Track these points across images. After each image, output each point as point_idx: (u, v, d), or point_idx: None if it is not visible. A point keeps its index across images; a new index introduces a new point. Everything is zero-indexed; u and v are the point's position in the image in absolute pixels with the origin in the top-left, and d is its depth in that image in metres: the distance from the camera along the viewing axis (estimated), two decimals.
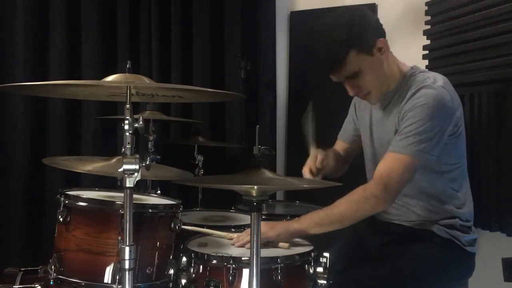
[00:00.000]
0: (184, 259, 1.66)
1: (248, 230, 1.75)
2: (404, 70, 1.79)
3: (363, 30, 1.69)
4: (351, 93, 1.77)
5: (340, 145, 2.07)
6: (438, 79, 1.71)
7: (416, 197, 1.78)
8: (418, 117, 1.63)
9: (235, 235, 1.81)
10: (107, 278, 1.62)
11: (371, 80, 1.73)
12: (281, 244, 1.73)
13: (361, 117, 1.98)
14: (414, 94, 1.67)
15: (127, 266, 1.32)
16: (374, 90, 1.76)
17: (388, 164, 1.67)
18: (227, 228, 2.02)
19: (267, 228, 1.71)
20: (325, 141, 2.04)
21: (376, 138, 1.86)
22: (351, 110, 2.06)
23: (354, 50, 1.66)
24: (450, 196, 1.77)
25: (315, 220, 1.71)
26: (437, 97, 1.64)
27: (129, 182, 1.30)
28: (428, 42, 2.53)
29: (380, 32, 1.74)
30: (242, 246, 1.73)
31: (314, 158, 1.89)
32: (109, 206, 1.68)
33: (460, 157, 1.79)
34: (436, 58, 2.48)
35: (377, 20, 1.76)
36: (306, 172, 1.87)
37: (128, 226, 1.32)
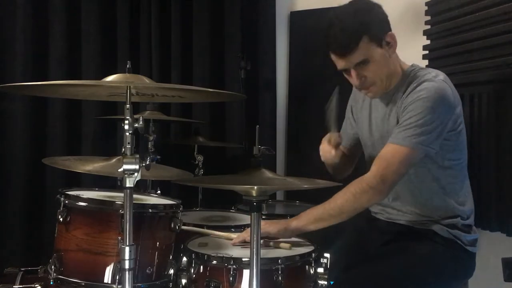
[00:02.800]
0: (184, 259, 1.66)
1: (248, 230, 1.75)
2: (404, 68, 1.80)
3: (376, 19, 1.70)
4: (355, 82, 1.75)
5: (342, 147, 2.06)
6: (439, 74, 1.72)
7: (419, 193, 1.78)
8: (419, 110, 1.64)
9: (234, 235, 1.81)
10: (107, 278, 1.62)
11: (377, 71, 1.72)
12: (282, 244, 1.73)
13: (359, 118, 1.98)
14: (415, 87, 1.68)
15: (127, 266, 1.32)
16: (379, 83, 1.75)
17: (386, 155, 1.67)
18: (227, 228, 2.03)
19: (268, 225, 1.72)
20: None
21: (377, 137, 1.86)
22: (348, 113, 2.05)
23: (367, 36, 1.67)
24: (452, 191, 1.77)
25: (314, 216, 1.71)
26: (438, 90, 1.64)
27: (129, 182, 1.30)
28: (428, 42, 2.53)
29: (389, 27, 1.75)
30: (241, 243, 1.73)
31: (330, 136, 1.88)
32: (109, 206, 1.68)
33: (461, 153, 1.79)
34: (436, 58, 2.48)
35: (387, 15, 1.76)
36: (325, 145, 1.87)
37: (128, 226, 1.32)
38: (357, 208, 1.68)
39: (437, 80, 1.67)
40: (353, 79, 1.74)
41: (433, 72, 1.73)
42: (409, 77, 1.75)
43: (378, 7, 1.74)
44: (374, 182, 1.64)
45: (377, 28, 1.69)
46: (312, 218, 1.71)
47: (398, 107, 1.74)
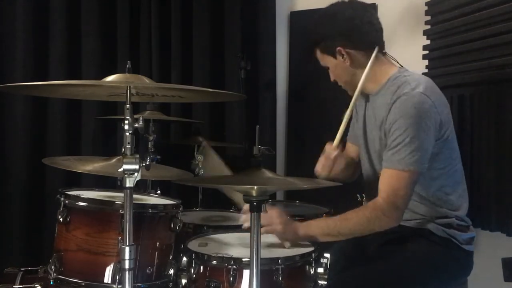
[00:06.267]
0: (184, 259, 1.66)
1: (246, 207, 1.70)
2: (390, 72, 1.78)
3: (326, 35, 1.79)
4: (331, 79, 1.87)
5: (351, 148, 2.05)
6: (420, 83, 1.68)
7: (412, 200, 1.78)
8: (402, 129, 1.64)
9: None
10: (107, 278, 1.62)
11: (339, 77, 1.83)
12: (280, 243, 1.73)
13: (356, 116, 1.98)
14: (394, 102, 1.68)
15: (127, 266, 1.32)
16: (346, 86, 1.85)
17: (391, 182, 1.66)
18: (227, 228, 2.03)
19: (277, 220, 1.71)
20: (324, 141, 2.02)
21: (369, 135, 1.86)
22: (354, 111, 2.05)
23: (318, 49, 1.82)
24: (442, 200, 1.76)
25: (324, 230, 1.71)
26: (416, 105, 1.63)
27: (129, 182, 1.30)
28: (428, 42, 2.52)
29: (347, 39, 1.75)
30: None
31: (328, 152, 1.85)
32: (109, 206, 1.69)
33: (449, 161, 1.76)
34: (436, 58, 2.48)
35: (349, 28, 1.75)
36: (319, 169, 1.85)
37: (128, 226, 1.32)
38: (367, 232, 1.69)
39: (415, 93, 1.65)
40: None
41: (413, 81, 1.69)
42: (392, 85, 1.74)
43: (338, 18, 1.77)
44: (387, 210, 1.64)
45: (326, 43, 1.79)
46: (321, 231, 1.71)
47: (383, 123, 1.73)
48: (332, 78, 1.87)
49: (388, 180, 1.67)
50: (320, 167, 1.80)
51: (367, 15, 1.78)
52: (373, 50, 1.76)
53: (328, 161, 1.79)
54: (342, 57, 1.77)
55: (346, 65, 1.78)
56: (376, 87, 1.79)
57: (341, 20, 1.76)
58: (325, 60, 1.82)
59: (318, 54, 1.83)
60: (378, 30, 1.79)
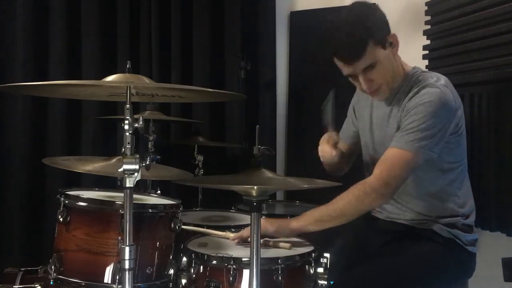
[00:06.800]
0: (184, 259, 1.66)
1: (247, 229, 1.76)
2: (406, 69, 1.81)
3: (378, 21, 1.72)
4: (363, 87, 1.75)
5: (342, 145, 2.07)
6: (441, 78, 1.73)
7: (417, 195, 1.78)
8: (421, 114, 1.65)
9: (231, 235, 1.81)
10: (107, 278, 1.62)
11: (384, 73, 1.72)
12: (282, 244, 1.73)
13: (360, 117, 1.99)
14: (417, 92, 1.69)
15: (127, 266, 1.32)
16: (385, 85, 1.75)
17: (389, 159, 1.67)
18: (227, 228, 2.02)
19: (267, 223, 1.72)
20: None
21: (377, 136, 1.86)
22: (350, 112, 2.07)
23: (372, 41, 1.67)
24: (451, 194, 1.78)
25: (315, 216, 1.72)
26: (440, 96, 1.65)
27: (129, 182, 1.30)
28: (428, 42, 2.53)
29: (389, 27, 1.75)
30: (242, 240, 1.74)
31: (328, 136, 1.91)
32: (109, 206, 1.68)
33: (461, 156, 1.79)
34: (436, 58, 2.48)
35: (385, 15, 1.76)
36: (325, 145, 1.89)
37: (128, 226, 1.32)
38: (359, 211, 1.68)
39: (439, 85, 1.68)
40: (362, 84, 1.74)
41: (435, 76, 1.74)
42: (411, 80, 1.76)
43: (377, 8, 1.74)
44: (377, 185, 1.65)
45: (380, 30, 1.70)
46: (312, 218, 1.72)
47: (400, 110, 1.74)
48: (368, 84, 1.73)
49: (387, 157, 1.68)
50: (327, 148, 1.87)
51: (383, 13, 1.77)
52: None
53: (331, 139, 1.86)
54: (391, 45, 1.72)
55: (395, 53, 1.74)
56: (397, 80, 1.77)
57: (377, 11, 1.73)
58: (375, 54, 1.68)
59: (370, 49, 1.66)
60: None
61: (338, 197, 1.69)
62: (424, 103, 1.65)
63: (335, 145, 1.89)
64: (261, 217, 1.37)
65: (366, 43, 1.66)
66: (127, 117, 1.28)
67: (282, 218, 1.85)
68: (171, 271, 1.71)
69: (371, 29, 1.67)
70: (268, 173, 1.45)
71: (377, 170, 1.67)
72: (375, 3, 1.75)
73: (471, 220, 1.81)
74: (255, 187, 1.29)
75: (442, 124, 1.65)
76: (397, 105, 1.77)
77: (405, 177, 1.67)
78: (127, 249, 1.31)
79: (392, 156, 1.67)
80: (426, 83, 1.70)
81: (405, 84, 1.77)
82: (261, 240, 1.54)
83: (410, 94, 1.71)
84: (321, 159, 1.93)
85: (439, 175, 1.75)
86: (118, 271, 1.57)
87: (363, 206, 1.68)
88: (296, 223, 1.73)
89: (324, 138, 1.93)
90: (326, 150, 1.89)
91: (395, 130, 1.75)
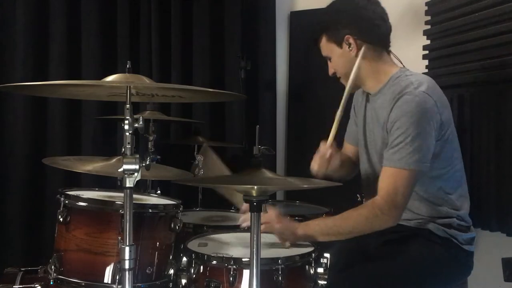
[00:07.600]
0: (184, 259, 1.66)
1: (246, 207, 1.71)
2: (392, 72, 1.78)
3: (337, 21, 1.77)
4: (329, 72, 1.86)
5: (348, 148, 2.05)
6: (422, 83, 1.68)
7: (412, 198, 1.78)
8: (404, 128, 1.63)
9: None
10: (107, 278, 1.62)
11: (340, 69, 1.82)
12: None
13: (357, 117, 1.98)
14: (397, 101, 1.67)
15: (127, 266, 1.32)
16: (344, 79, 1.83)
17: (391, 180, 1.66)
18: (227, 228, 2.03)
19: (274, 217, 1.71)
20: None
21: (368, 135, 1.86)
22: (352, 111, 2.06)
23: (325, 36, 1.80)
24: (443, 199, 1.76)
25: (323, 230, 1.71)
26: (419, 104, 1.63)
27: (129, 182, 1.30)
28: (428, 42, 2.53)
29: (358, 29, 1.74)
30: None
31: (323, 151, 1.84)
32: (109, 206, 1.69)
33: (448, 161, 1.76)
34: (436, 58, 2.48)
35: (369, 17, 1.75)
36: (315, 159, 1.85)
37: (128, 226, 1.32)
38: (367, 231, 1.68)
39: (418, 92, 1.65)
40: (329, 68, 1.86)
41: (416, 81, 1.69)
42: (394, 84, 1.74)
43: (361, 7, 1.75)
44: (386, 208, 1.64)
45: (336, 30, 1.76)
46: (320, 231, 1.71)
47: (384, 121, 1.72)
48: (331, 71, 1.86)
49: (388, 178, 1.67)
50: (316, 166, 1.80)
51: (380, 10, 1.77)
52: (381, 47, 1.77)
53: (323, 159, 1.79)
54: (349, 47, 1.76)
55: (351, 55, 1.76)
56: (378, 85, 1.79)
57: (353, 8, 1.75)
58: (329, 49, 1.80)
59: (323, 42, 1.80)
60: (388, 28, 1.79)
61: (348, 214, 1.68)
62: (405, 114, 1.63)
63: (327, 161, 1.81)
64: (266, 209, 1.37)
65: (319, 36, 1.82)
66: (127, 117, 1.28)
67: (290, 219, 1.82)
68: (171, 271, 1.72)
69: (325, 25, 1.80)
70: (268, 173, 1.45)
71: (383, 193, 1.65)
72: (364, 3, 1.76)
73: (468, 220, 1.81)
74: (255, 187, 1.29)
75: (425, 132, 1.63)
76: (382, 109, 1.75)
77: (410, 193, 1.67)
78: (127, 249, 1.31)
79: (391, 177, 1.65)
80: (405, 90, 1.67)
81: (388, 88, 1.75)
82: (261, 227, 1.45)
83: (392, 102, 1.68)
84: (313, 173, 1.84)
85: (429, 181, 1.73)
86: (118, 271, 1.57)
87: (372, 227, 1.67)
88: (302, 231, 1.71)
89: (318, 152, 1.85)
90: (312, 165, 1.83)
91: (380, 136, 1.75)
